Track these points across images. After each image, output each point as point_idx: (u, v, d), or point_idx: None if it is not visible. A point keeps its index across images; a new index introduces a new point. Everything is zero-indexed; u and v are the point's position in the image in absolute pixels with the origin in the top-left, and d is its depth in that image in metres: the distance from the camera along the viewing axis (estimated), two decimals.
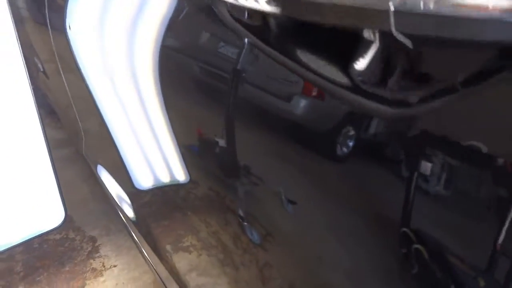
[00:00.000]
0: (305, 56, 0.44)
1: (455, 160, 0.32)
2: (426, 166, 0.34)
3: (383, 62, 0.34)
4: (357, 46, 0.35)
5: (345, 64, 0.38)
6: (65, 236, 1.61)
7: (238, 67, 0.58)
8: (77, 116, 1.31)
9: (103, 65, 0.99)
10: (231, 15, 0.53)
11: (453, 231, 0.33)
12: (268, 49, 0.48)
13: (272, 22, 0.44)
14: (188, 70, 0.76)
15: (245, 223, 0.64)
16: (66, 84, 1.28)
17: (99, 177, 1.30)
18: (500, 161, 0.29)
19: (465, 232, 0.33)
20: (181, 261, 0.91)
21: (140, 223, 1.07)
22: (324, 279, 0.47)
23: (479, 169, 0.31)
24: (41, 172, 1.33)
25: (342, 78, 0.38)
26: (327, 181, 0.48)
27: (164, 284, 1.00)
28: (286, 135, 0.54)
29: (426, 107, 0.33)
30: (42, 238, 1.57)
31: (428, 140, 0.34)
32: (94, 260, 1.50)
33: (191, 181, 0.83)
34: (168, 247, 0.95)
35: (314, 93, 0.49)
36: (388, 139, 0.38)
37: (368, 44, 0.34)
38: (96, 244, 1.58)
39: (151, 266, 1.07)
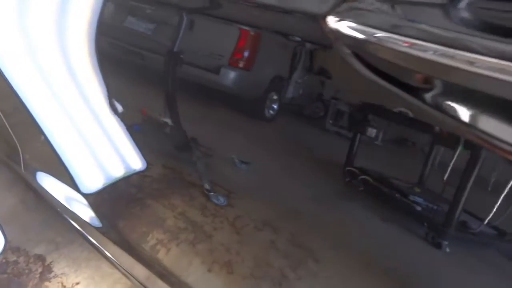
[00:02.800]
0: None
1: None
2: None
3: None
4: None
5: None
6: (4, 261, 1.43)
7: (175, 49, 0.69)
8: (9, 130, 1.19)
9: (31, 61, 0.92)
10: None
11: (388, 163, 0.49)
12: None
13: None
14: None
15: (211, 194, 0.70)
16: None
17: (39, 185, 1.13)
18: None
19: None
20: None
21: (106, 228, 1.01)
22: (293, 206, 0.59)
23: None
24: None
25: None
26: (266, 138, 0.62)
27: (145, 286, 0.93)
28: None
29: None
30: None
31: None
32: (50, 281, 1.37)
33: (143, 164, 0.87)
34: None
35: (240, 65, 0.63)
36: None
37: None
38: (46, 262, 1.44)
39: (126, 272, 0.95)
